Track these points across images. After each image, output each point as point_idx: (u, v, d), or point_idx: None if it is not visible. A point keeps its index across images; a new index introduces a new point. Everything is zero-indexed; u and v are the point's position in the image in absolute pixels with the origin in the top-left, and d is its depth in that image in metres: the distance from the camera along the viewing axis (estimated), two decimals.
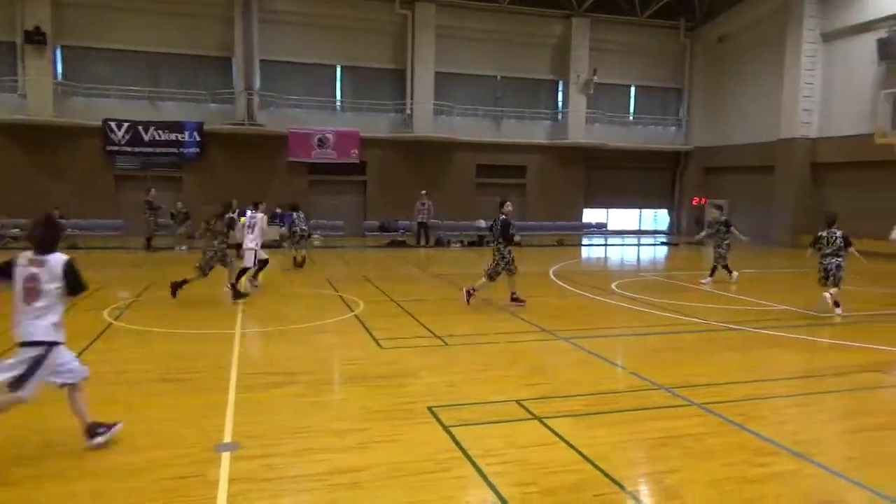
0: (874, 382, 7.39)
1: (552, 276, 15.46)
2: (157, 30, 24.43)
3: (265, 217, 12.93)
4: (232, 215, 12.29)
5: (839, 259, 10.84)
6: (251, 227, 12.41)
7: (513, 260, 11.32)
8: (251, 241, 12.34)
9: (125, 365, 7.34)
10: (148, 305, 11.11)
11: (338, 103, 27.30)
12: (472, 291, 11.30)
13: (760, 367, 7.93)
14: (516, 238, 11.29)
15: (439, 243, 24.05)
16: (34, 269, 4.70)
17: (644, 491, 4.57)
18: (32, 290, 4.68)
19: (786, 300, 12.27)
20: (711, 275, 14.56)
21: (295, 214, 16.84)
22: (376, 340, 8.73)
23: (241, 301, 11.29)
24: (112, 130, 23.85)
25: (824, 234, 11.01)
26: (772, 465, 4.88)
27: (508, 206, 11.44)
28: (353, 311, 10.83)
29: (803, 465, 4.88)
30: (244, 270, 12.42)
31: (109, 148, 24.01)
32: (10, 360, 4.71)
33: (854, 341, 9.16)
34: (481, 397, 6.35)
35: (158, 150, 24.48)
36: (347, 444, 5.14)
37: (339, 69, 27.06)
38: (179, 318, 9.83)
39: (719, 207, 15.12)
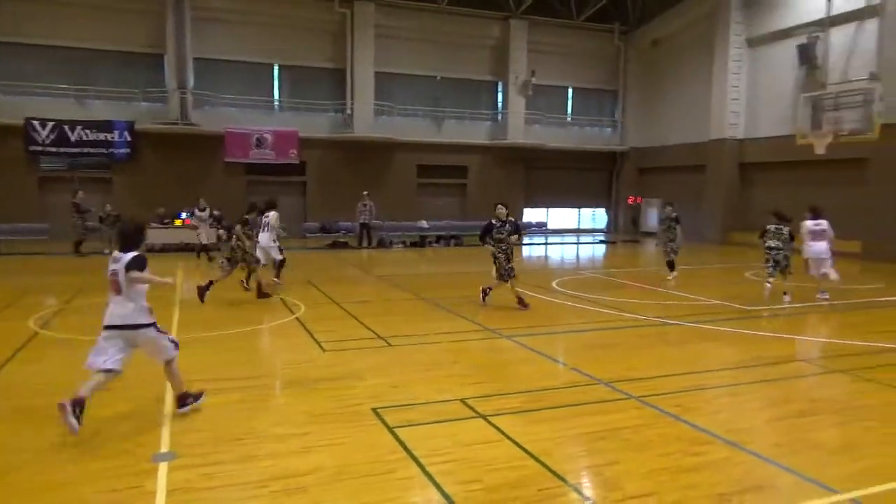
0: (797, 371, 7.78)
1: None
2: (83, 24, 23.46)
3: (277, 215, 13.48)
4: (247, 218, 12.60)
5: (784, 252, 11.80)
6: (265, 226, 13.12)
7: (506, 263, 11.16)
8: (270, 240, 13.10)
9: (52, 375, 6.98)
10: (77, 313, 10.65)
11: (276, 103, 26.84)
12: (521, 300, 11.23)
13: (695, 359, 8.23)
14: (487, 242, 11.24)
15: (382, 244, 23.94)
16: (114, 266, 5.46)
17: (585, 484, 4.68)
18: (114, 284, 5.45)
19: (718, 295, 12.77)
20: (671, 269, 14.93)
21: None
22: (318, 343, 8.63)
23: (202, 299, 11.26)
24: (35, 130, 22.77)
25: (772, 227, 11.94)
26: (706, 454, 5.07)
27: (499, 210, 11.22)
28: (294, 314, 10.67)
29: (736, 453, 5.09)
30: (282, 263, 13.48)
31: (32, 148, 22.92)
32: (118, 351, 5.43)
33: (780, 333, 9.67)
34: (426, 397, 6.37)
35: (86, 150, 23.54)
36: (290, 449, 5.06)
37: (276, 68, 26.62)
38: None
39: (670, 203, 15.54)
